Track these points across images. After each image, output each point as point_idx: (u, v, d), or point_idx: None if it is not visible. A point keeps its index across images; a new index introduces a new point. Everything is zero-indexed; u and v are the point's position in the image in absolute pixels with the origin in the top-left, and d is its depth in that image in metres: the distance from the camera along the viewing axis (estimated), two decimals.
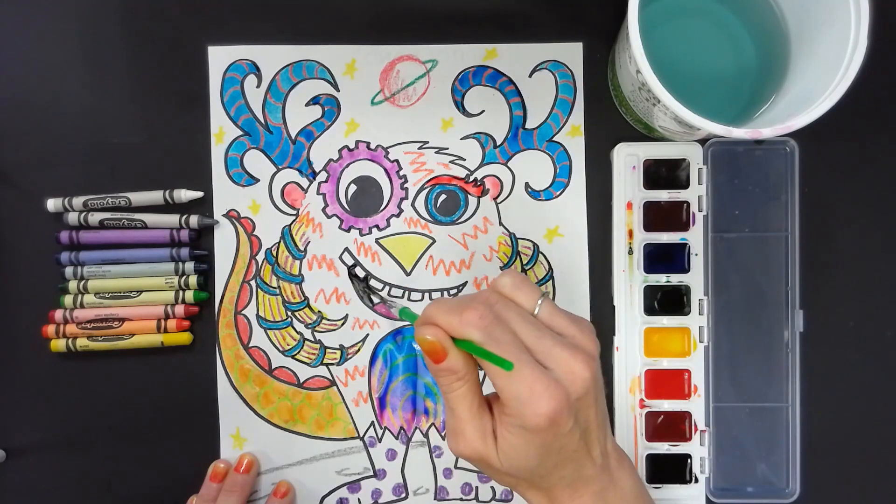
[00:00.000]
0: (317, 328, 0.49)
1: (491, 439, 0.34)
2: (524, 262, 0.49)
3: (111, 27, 0.49)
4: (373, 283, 0.49)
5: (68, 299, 0.49)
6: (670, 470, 0.48)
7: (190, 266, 0.49)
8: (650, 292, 0.48)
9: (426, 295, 0.49)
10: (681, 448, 0.48)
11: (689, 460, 0.48)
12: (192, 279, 0.49)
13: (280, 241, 0.49)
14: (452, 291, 0.49)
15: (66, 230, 0.49)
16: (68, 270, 0.49)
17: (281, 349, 0.49)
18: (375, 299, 0.49)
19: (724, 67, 0.45)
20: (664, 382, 0.48)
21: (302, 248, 0.49)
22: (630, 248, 0.48)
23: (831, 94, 0.37)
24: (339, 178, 0.49)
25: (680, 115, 0.38)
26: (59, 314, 0.48)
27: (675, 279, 0.48)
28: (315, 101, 0.49)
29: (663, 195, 0.48)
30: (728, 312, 0.48)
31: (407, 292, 0.49)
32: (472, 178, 0.49)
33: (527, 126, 0.49)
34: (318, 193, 0.49)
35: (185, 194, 0.49)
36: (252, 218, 0.49)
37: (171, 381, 0.49)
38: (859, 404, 0.49)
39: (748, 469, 0.48)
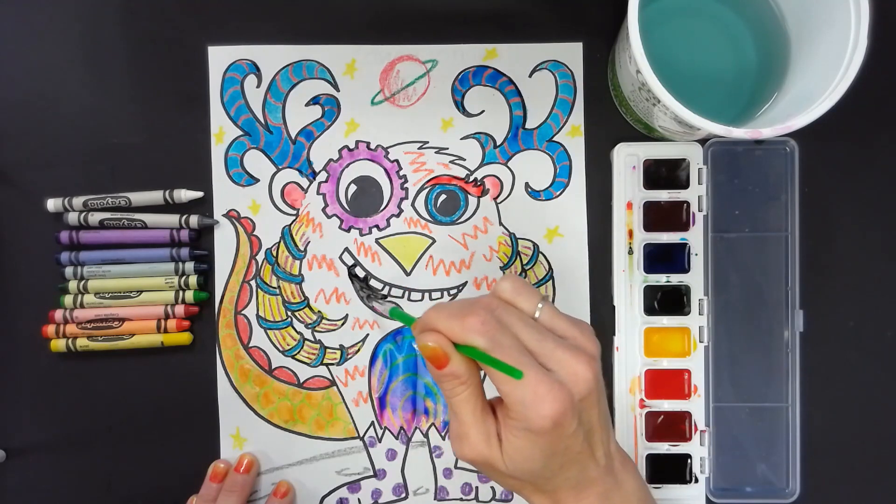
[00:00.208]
0: (317, 328, 0.49)
1: (495, 442, 0.34)
2: (524, 262, 0.49)
3: (111, 27, 0.49)
4: (373, 283, 0.49)
5: (68, 299, 0.49)
6: (670, 470, 0.48)
7: (190, 266, 0.49)
8: (650, 292, 0.48)
9: (426, 295, 0.49)
10: (681, 448, 0.48)
11: (689, 460, 0.48)
12: (192, 279, 0.49)
13: (280, 241, 0.49)
14: (452, 291, 0.49)
15: (66, 230, 0.49)
16: (68, 270, 0.49)
17: (281, 349, 0.49)
18: (366, 297, 0.48)
19: (724, 67, 0.45)
20: (664, 382, 0.48)
21: (302, 248, 0.49)
22: (630, 248, 0.48)
23: (831, 94, 0.37)
24: (339, 178, 0.49)
25: (680, 115, 0.38)
26: (59, 314, 0.48)
27: (675, 279, 0.48)
28: (315, 101, 0.49)
29: (663, 195, 0.48)
30: (728, 312, 0.48)
31: (407, 292, 0.49)
32: (472, 178, 0.49)
33: (527, 126, 0.49)
34: (318, 193, 0.49)
35: (185, 194, 0.49)
36: (252, 218, 0.49)
37: (171, 381, 0.49)
38: (859, 404, 0.49)
39: (748, 469, 0.48)
